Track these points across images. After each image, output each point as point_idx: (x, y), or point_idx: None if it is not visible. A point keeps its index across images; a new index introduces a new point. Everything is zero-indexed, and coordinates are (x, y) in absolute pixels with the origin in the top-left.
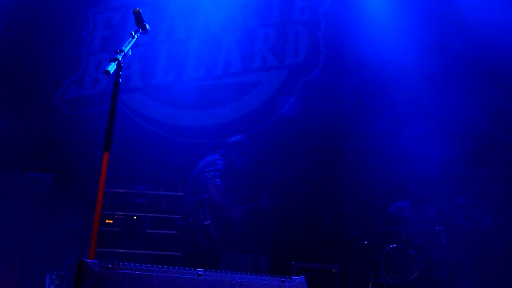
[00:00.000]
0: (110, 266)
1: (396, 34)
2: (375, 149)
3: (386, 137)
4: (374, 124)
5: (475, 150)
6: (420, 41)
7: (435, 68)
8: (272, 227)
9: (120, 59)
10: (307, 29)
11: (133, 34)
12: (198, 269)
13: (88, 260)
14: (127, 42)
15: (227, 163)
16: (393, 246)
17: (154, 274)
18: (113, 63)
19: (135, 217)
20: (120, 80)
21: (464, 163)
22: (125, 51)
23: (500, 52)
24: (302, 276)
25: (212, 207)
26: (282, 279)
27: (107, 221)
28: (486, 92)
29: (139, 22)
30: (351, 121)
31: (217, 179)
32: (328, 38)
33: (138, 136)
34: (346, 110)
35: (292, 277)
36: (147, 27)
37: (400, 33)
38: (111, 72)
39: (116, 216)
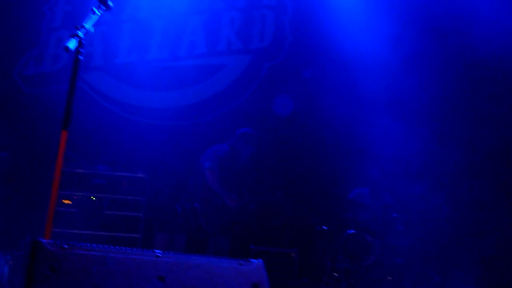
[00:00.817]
0: (65, 246)
1: (364, 23)
2: (337, 136)
3: (348, 125)
4: (336, 112)
5: (435, 139)
6: (388, 30)
7: (400, 57)
8: (232, 211)
9: (81, 35)
10: (273, 14)
11: (95, 10)
12: (156, 250)
13: (43, 240)
14: (88, 18)
15: (233, 153)
16: (351, 232)
17: (111, 255)
18: (73, 39)
19: (93, 198)
20: (81, 57)
21: (423, 152)
22: (87, 28)
23: (465, 39)
24: (260, 259)
25: (204, 191)
26: (241, 262)
27: (64, 201)
28: (447, 80)
29: None
30: (313, 108)
31: (213, 164)
32: (294, 24)
33: (99, 116)
34: (308, 96)
35: (251, 260)
36: (110, 3)
37: (368, 22)
38: (71, 49)
39: (74, 197)
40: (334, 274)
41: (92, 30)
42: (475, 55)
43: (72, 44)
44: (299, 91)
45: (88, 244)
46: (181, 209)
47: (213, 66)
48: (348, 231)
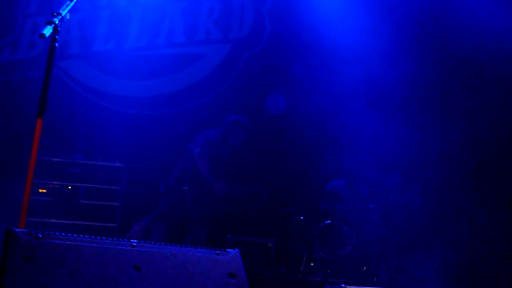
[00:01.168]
0: (40, 235)
1: (344, 14)
2: (315, 128)
3: (325, 116)
4: (312, 103)
5: (409, 131)
6: (369, 21)
7: (382, 48)
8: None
9: (57, 22)
10: (252, 4)
11: None
12: (132, 240)
13: (17, 229)
14: (65, 5)
15: (223, 140)
16: (327, 222)
17: (86, 244)
18: (49, 26)
19: (70, 187)
20: (57, 45)
21: (398, 143)
22: (63, 15)
23: (444, 30)
24: (236, 249)
25: (194, 175)
26: (217, 251)
27: (40, 190)
28: (434, 71)
29: None
30: (291, 99)
31: (203, 149)
32: (274, 14)
33: (76, 104)
34: (287, 88)
35: (227, 250)
36: None
37: (348, 13)
38: (47, 36)
39: (50, 186)
40: (311, 264)
41: (68, 16)
42: (453, 47)
43: (48, 31)
44: (282, 85)
45: (63, 234)
46: (165, 189)
47: (192, 55)
48: (325, 222)
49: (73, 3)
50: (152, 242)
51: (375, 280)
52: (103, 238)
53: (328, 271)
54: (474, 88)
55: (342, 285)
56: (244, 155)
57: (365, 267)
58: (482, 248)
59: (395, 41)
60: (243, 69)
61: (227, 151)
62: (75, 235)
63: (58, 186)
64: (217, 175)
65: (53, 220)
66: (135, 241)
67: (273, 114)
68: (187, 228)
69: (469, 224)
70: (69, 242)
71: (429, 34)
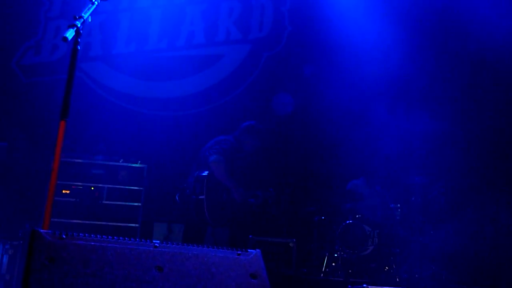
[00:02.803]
0: (64, 236)
1: (364, 13)
2: (336, 127)
3: (347, 116)
4: (334, 104)
5: (430, 129)
6: (388, 21)
7: (403, 46)
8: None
9: (79, 25)
10: (272, 4)
11: (94, 0)
12: (154, 241)
13: (42, 230)
14: (86, 8)
15: (237, 145)
16: (349, 222)
17: (109, 245)
18: (71, 29)
19: (92, 188)
20: (79, 48)
21: (421, 144)
22: (85, 18)
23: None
24: (258, 250)
25: (210, 183)
26: (239, 252)
27: (63, 191)
28: (452, 71)
29: None
30: (311, 100)
31: (219, 156)
32: (293, 14)
33: (97, 106)
34: (308, 87)
35: (249, 250)
36: None
37: (368, 12)
38: (69, 39)
39: (73, 187)
40: (332, 264)
41: (90, 19)
42: (472, 42)
43: (70, 34)
44: (298, 85)
45: (87, 234)
46: (180, 199)
47: (212, 56)
48: (346, 221)
49: (94, 6)
50: (174, 243)
51: (397, 280)
52: (126, 238)
53: (350, 271)
54: (497, 83)
55: (364, 285)
56: (261, 158)
57: (386, 267)
58: (506, 248)
59: (414, 38)
60: (263, 69)
61: (242, 156)
62: (98, 236)
63: (81, 187)
64: (236, 181)
65: (76, 221)
66: (157, 241)
67: (288, 114)
68: (204, 229)
69: (492, 224)
70: (92, 243)
71: (447, 32)
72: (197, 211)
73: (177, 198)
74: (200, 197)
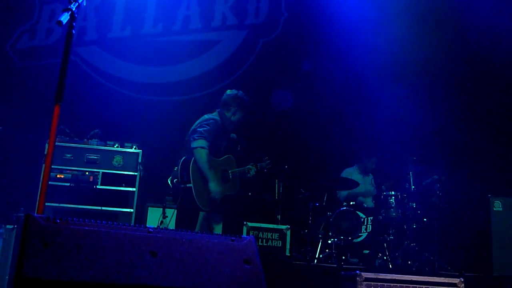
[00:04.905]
0: (58, 221)
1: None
2: (331, 115)
3: (342, 104)
4: (328, 92)
5: (430, 121)
6: (385, 6)
7: (401, 34)
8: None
9: (73, 9)
10: None
11: None
12: (148, 226)
13: (36, 215)
14: None
15: (223, 121)
16: (343, 209)
17: (103, 230)
18: (66, 13)
19: (87, 173)
20: (74, 32)
21: (418, 132)
22: (80, 1)
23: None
24: (252, 236)
25: (196, 170)
26: (232, 238)
27: (58, 175)
28: (448, 59)
29: None
30: (307, 88)
31: (202, 141)
32: (290, 0)
33: (92, 91)
34: (302, 74)
35: (242, 236)
36: None
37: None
38: (63, 23)
39: (67, 171)
40: (326, 250)
41: (85, 3)
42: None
43: (65, 18)
44: (293, 72)
45: (81, 219)
46: (172, 185)
47: (208, 41)
48: (340, 208)
49: None
50: (168, 228)
51: (390, 266)
52: (120, 223)
53: (343, 257)
54: (492, 72)
55: (357, 271)
56: (256, 144)
57: (380, 254)
58: (499, 235)
59: (414, 27)
60: (259, 55)
61: (229, 131)
62: (92, 220)
63: (75, 172)
64: (214, 174)
65: (71, 206)
66: (152, 227)
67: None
68: (196, 214)
69: (485, 212)
70: (86, 228)
71: (443, 20)
72: (187, 198)
73: (169, 182)
74: (188, 185)
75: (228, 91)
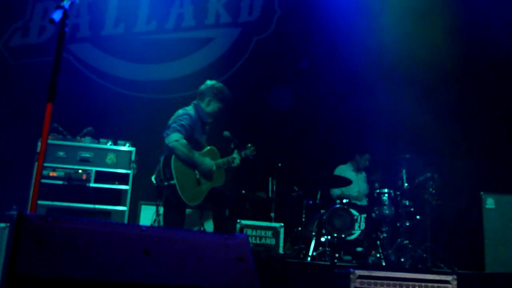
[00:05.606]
0: (50, 219)
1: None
2: (324, 112)
3: (334, 101)
4: (321, 89)
5: (424, 120)
6: (378, 5)
7: (391, 30)
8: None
9: (66, 7)
10: None
11: None
12: (141, 225)
13: (28, 213)
14: None
15: (199, 114)
16: (336, 206)
17: (96, 228)
18: (58, 10)
19: (80, 171)
20: (66, 29)
21: (409, 127)
22: None
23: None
24: (245, 234)
25: (177, 165)
26: (225, 236)
27: (50, 174)
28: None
29: None
30: (300, 85)
31: (177, 134)
32: None
33: (85, 88)
34: (296, 72)
35: (236, 234)
36: None
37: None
38: (56, 20)
39: (60, 169)
40: (319, 248)
41: (78, 0)
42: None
43: (57, 15)
44: (287, 69)
45: (74, 217)
46: (156, 184)
47: (201, 39)
48: (334, 206)
49: None
50: (161, 226)
51: (383, 264)
52: (113, 222)
53: (337, 255)
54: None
55: (351, 269)
56: (249, 143)
57: (373, 251)
58: (491, 231)
59: (406, 24)
60: (252, 53)
61: (206, 123)
62: (85, 219)
63: (68, 170)
64: (200, 155)
65: (63, 204)
66: (145, 225)
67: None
68: (183, 211)
69: (478, 208)
70: (79, 226)
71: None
72: (172, 195)
73: (153, 179)
74: (172, 182)
75: (208, 82)
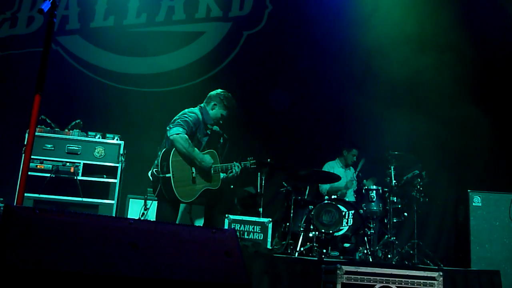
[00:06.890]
0: (37, 212)
1: None
2: (312, 109)
3: (325, 98)
4: (312, 86)
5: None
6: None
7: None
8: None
9: None
10: None
11: None
12: (129, 218)
13: (15, 205)
14: None
15: (203, 116)
16: (324, 202)
17: (84, 221)
18: (47, 1)
19: (68, 163)
20: (55, 20)
21: (399, 126)
22: None
23: None
24: (233, 228)
25: (176, 160)
26: (213, 230)
27: (38, 166)
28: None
29: None
30: (290, 81)
31: (179, 128)
32: None
33: (74, 80)
34: (287, 66)
35: (224, 228)
36: None
37: None
38: (45, 11)
39: (48, 162)
40: (307, 243)
41: None
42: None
43: (46, 6)
44: (277, 65)
45: (61, 210)
46: (153, 177)
47: (192, 33)
48: (322, 201)
49: None
50: (149, 220)
51: (370, 260)
52: (101, 215)
53: (324, 250)
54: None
55: (338, 265)
56: (239, 138)
57: (360, 247)
58: (477, 228)
59: (396, 20)
60: (243, 47)
61: (209, 126)
62: (72, 211)
63: (56, 163)
64: (201, 152)
65: (51, 196)
66: (133, 219)
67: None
68: (176, 207)
69: (464, 205)
70: (66, 219)
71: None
72: (166, 189)
73: (149, 175)
74: (167, 175)
75: (218, 89)
